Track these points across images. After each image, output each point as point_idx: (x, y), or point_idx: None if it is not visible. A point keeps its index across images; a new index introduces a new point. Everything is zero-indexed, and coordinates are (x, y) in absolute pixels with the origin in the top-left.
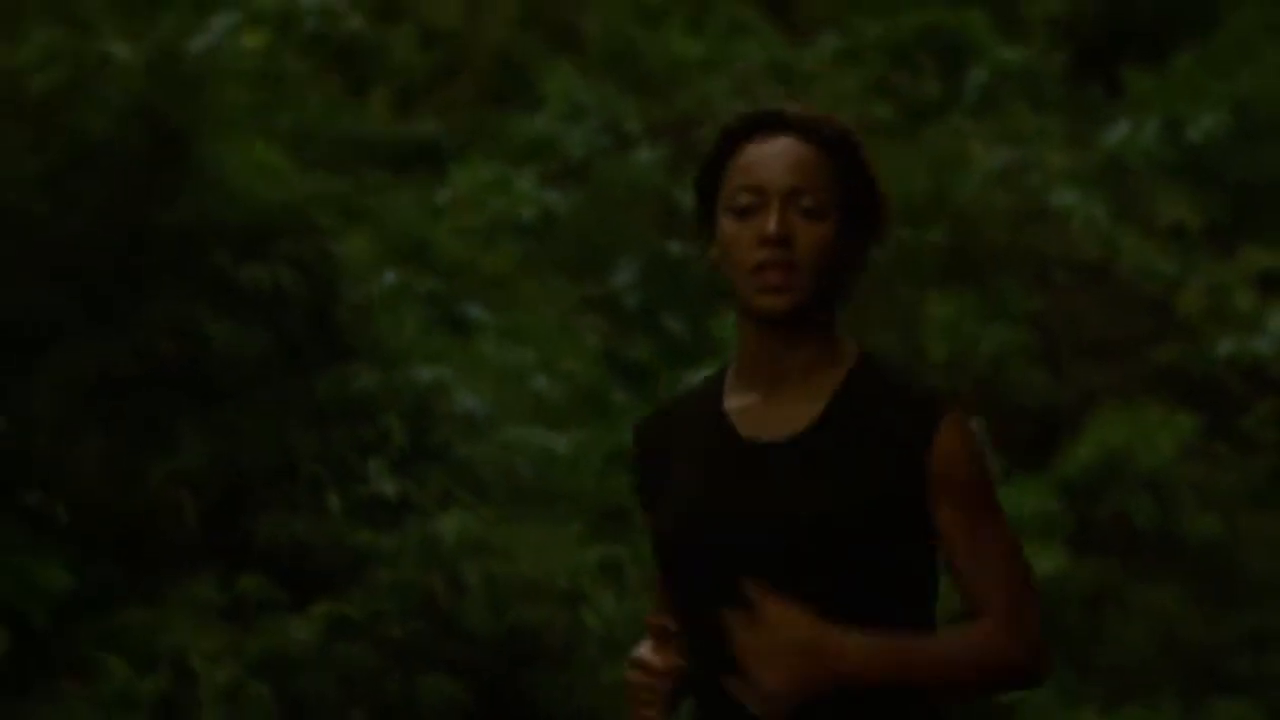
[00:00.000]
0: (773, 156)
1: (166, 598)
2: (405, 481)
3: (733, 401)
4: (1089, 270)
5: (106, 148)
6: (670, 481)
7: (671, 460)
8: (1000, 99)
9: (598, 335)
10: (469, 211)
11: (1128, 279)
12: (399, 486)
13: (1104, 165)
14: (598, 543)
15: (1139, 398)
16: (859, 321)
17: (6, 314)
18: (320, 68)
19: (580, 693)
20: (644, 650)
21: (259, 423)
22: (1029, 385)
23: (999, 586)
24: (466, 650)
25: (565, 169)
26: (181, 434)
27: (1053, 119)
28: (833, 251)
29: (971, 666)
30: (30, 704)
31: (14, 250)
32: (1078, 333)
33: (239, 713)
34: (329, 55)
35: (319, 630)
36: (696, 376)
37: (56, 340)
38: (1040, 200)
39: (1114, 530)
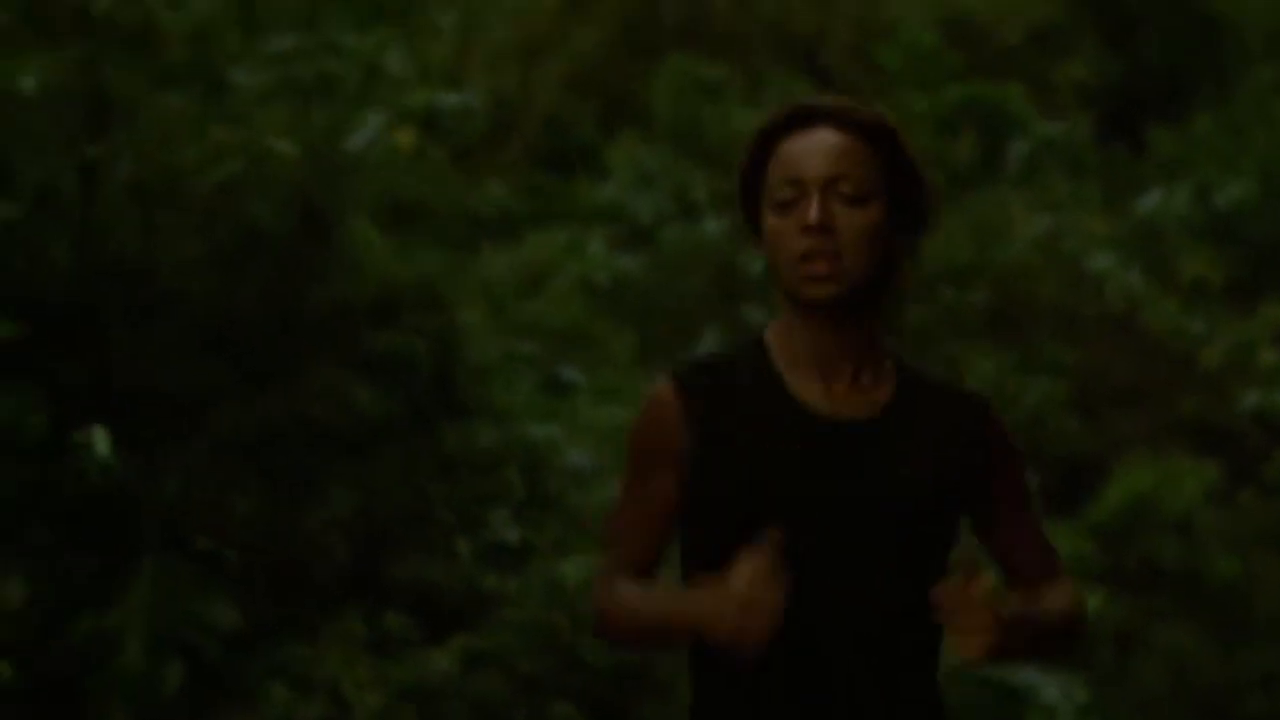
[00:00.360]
0: (809, 148)
1: (320, 632)
2: (525, 528)
3: (792, 379)
4: (1120, 327)
5: (265, 232)
6: (730, 449)
7: (725, 425)
8: (1039, 168)
9: None
10: (549, 275)
11: (1156, 335)
12: (520, 533)
13: (1137, 230)
14: None
15: (1166, 447)
16: None
17: (178, 381)
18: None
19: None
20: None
21: (396, 476)
22: (1064, 434)
23: (1051, 551)
24: (586, 681)
25: (633, 235)
26: (330, 486)
27: (1088, 185)
28: (877, 237)
29: (1073, 620)
30: None
31: (184, 324)
32: (1109, 386)
33: None
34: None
35: (455, 662)
36: None
37: (222, 404)
38: (1077, 263)
39: (1141, 572)
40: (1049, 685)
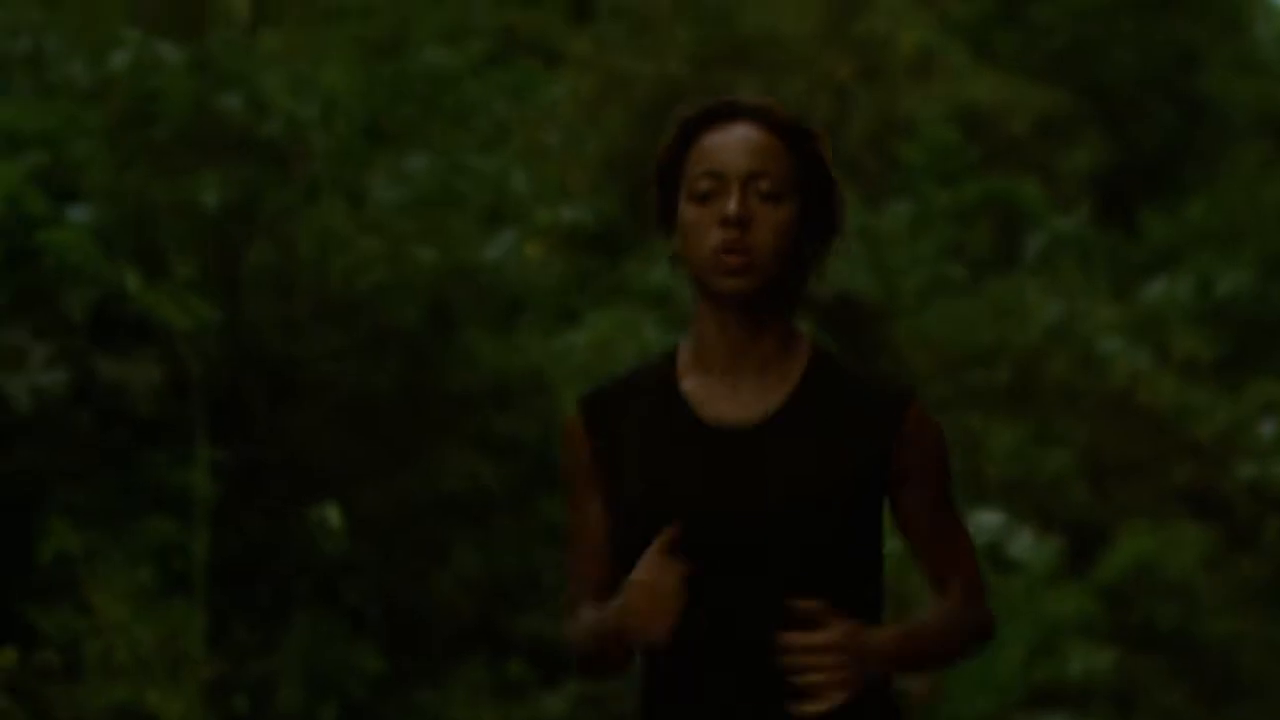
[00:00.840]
0: (731, 142)
1: (449, 678)
2: None
3: (689, 383)
4: (1125, 404)
5: (400, 329)
6: (631, 460)
7: (626, 438)
8: (1052, 258)
9: None
10: (609, 358)
11: (1158, 411)
12: None
13: (1142, 314)
14: None
15: (1167, 514)
16: None
17: (325, 460)
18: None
19: None
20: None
21: (512, 542)
22: (1075, 502)
23: (963, 562)
24: None
25: (683, 317)
26: (458, 550)
27: (1096, 272)
28: (791, 235)
29: (960, 635)
30: None
31: (329, 410)
32: (1115, 457)
33: None
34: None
35: (569, 705)
36: None
37: (366, 479)
38: (1088, 345)
39: (1142, 633)
40: None
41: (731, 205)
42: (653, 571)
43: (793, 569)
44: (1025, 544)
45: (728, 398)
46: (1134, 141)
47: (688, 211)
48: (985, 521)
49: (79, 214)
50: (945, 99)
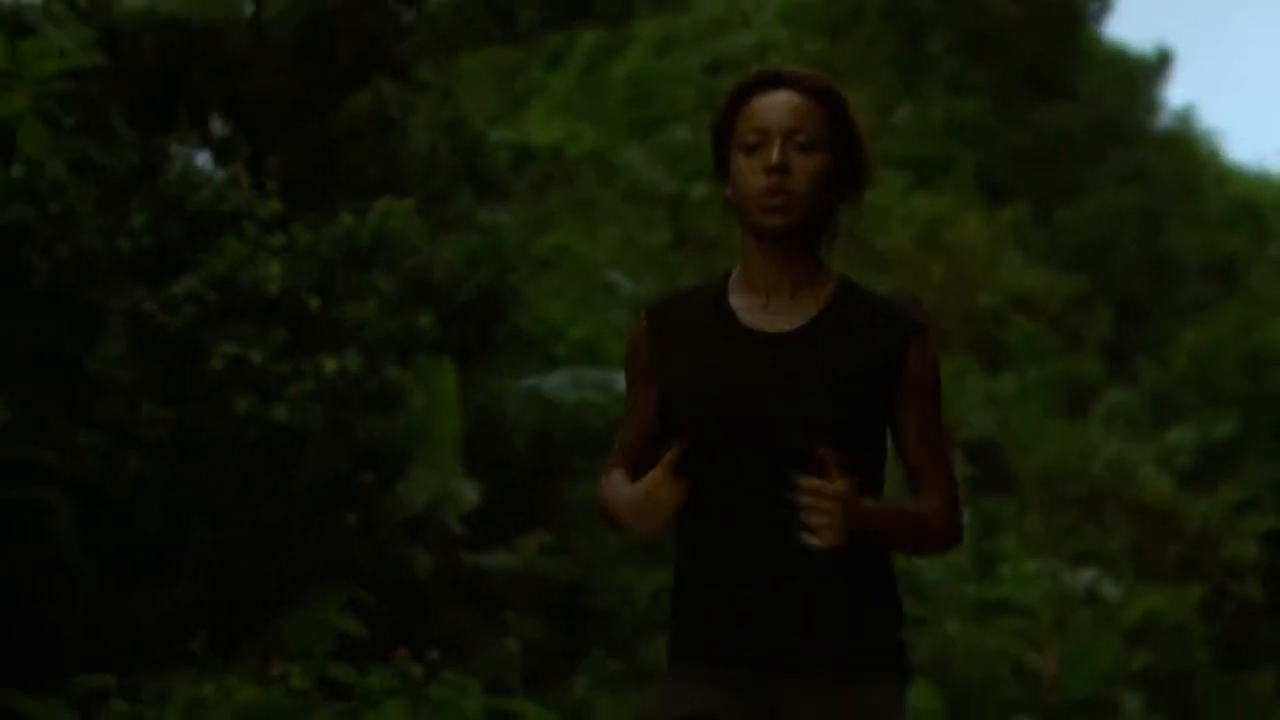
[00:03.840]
0: (774, 104)
1: None
2: None
3: (736, 300)
4: (1148, 511)
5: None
6: (681, 355)
7: (679, 338)
8: (1111, 417)
9: None
10: None
11: (1171, 510)
12: None
13: (1165, 449)
14: None
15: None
16: None
17: None
18: None
19: None
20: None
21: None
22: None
23: (943, 472)
24: None
25: None
26: None
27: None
28: (823, 181)
29: (935, 532)
30: None
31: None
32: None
33: None
34: None
35: None
36: None
37: None
38: (1129, 471)
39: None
40: None
41: (774, 155)
42: (655, 487)
43: (814, 447)
44: (1110, 588)
45: (767, 313)
46: (1122, 299)
47: (738, 161)
48: (1087, 576)
49: None
50: (1005, 289)
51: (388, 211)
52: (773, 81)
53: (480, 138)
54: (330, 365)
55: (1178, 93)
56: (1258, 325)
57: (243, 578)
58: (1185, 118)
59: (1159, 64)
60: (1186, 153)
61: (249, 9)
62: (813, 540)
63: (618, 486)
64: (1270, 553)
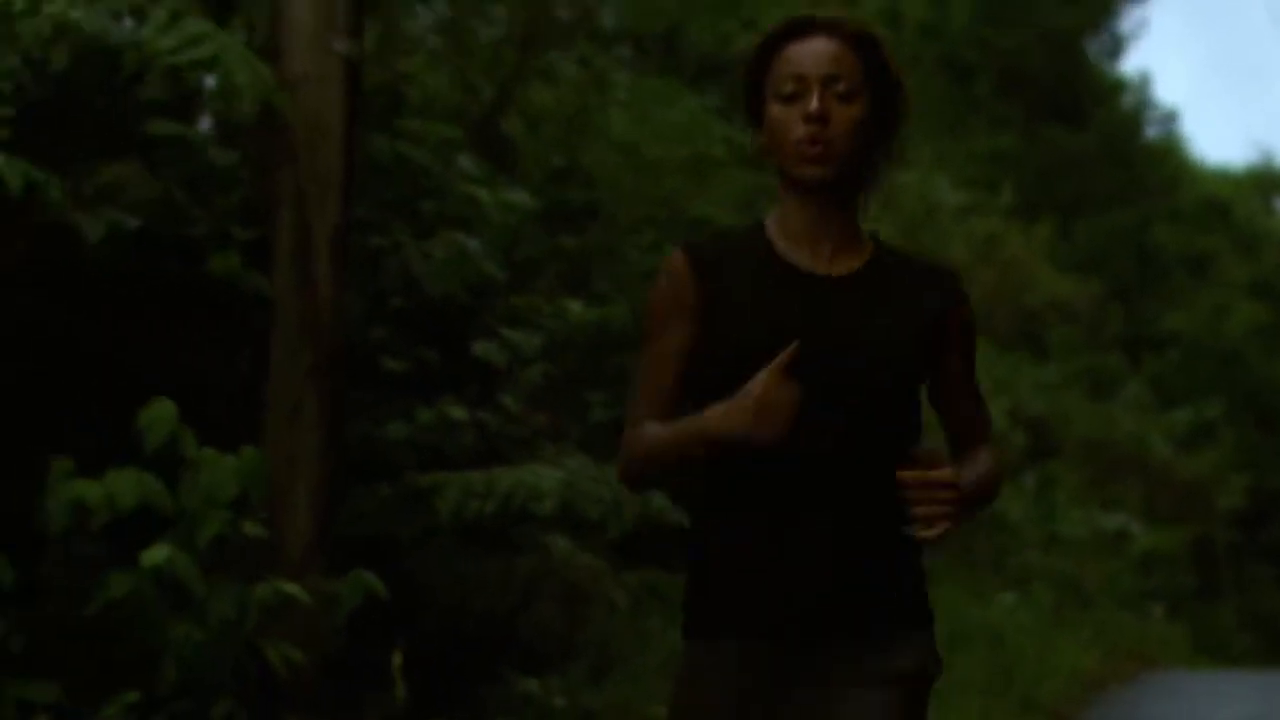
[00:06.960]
0: (811, 51)
1: None
2: None
3: (782, 245)
4: (1158, 468)
5: None
6: (739, 301)
7: (729, 284)
8: (1128, 404)
9: None
10: None
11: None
12: None
13: (1168, 424)
14: None
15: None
16: None
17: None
18: None
19: None
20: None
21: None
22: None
23: (987, 423)
24: None
25: None
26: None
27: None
28: (863, 130)
29: (997, 481)
30: None
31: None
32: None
33: None
34: None
35: None
36: None
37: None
38: (1146, 444)
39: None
40: None
41: (814, 103)
42: (770, 386)
43: (874, 396)
44: (1134, 527)
45: (814, 258)
46: (1125, 297)
47: (774, 110)
48: (1117, 518)
49: None
50: (1043, 294)
51: None
52: (807, 28)
53: None
54: None
55: (1167, 87)
56: (1227, 311)
57: None
58: (1168, 121)
59: (1144, 84)
60: (1167, 158)
61: None
62: (926, 533)
63: (669, 425)
64: (1249, 504)
